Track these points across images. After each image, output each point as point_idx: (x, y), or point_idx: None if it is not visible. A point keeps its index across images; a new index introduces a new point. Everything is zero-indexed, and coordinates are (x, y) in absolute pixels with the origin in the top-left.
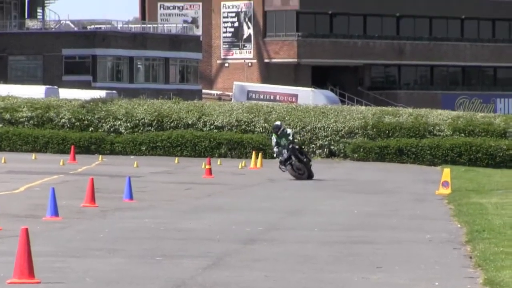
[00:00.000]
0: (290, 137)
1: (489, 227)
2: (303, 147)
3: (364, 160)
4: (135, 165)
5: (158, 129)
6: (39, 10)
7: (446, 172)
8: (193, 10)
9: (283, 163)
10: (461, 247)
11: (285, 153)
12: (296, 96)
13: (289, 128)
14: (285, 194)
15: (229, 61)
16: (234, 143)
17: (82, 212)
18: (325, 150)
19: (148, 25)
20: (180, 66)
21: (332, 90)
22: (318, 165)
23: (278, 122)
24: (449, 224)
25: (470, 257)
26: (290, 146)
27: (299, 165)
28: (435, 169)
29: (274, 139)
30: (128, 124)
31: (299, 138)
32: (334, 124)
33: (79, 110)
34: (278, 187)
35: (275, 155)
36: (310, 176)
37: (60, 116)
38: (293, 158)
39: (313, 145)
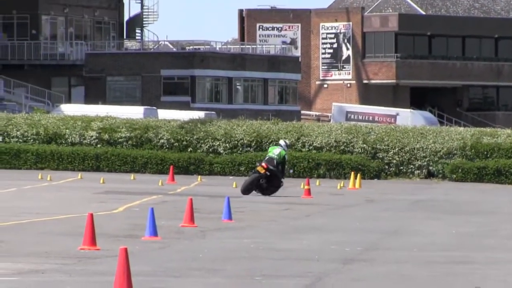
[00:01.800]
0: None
1: None
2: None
3: (462, 181)
4: (234, 186)
5: (257, 150)
6: (138, 30)
7: None
8: (292, 31)
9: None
10: None
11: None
12: (395, 117)
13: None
14: (384, 214)
15: (328, 82)
16: (332, 163)
17: (181, 232)
18: (424, 170)
19: (247, 46)
20: (279, 87)
21: (430, 111)
22: (417, 186)
23: (287, 141)
24: None
25: None
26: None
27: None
28: None
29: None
30: (227, 144)
31: (397, 159)
32: (432, 145)
33: (178, 131)
34: (377, 208)
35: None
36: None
37: (159, 137)
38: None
39: (411, 166)
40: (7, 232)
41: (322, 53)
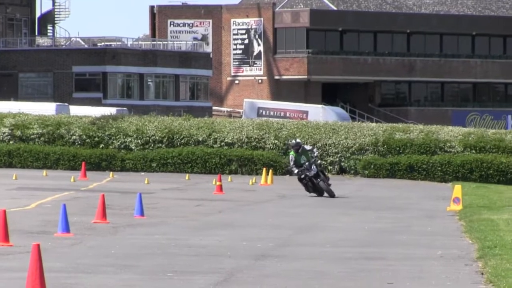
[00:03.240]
0: (315, 154)
1: (500, 243)
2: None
3: (375, 177)
4: (146, 182)
5: (168, 146)
6: (49, 27)
7: (457, 189)
8: (203, 27)
9: (306, 179)
10: (472, 263)
11: (313, 169)
12: (306, 112)
13: (307, 145)
14: (296, 210)
15: (239, 78)
16: (244, 159)
17: (93, 229)
18: (336, 166)
19: (158, 42)
20: (190, 83)
21: (342, 107)
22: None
23: (298, 140)
24: (461, 240)
25: (482, 273)
26: (317, 163)
27: (324, 185)
28: (446, 186)
29: (292, 157)
30: (139, 141)
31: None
32: (344, 140)
33: (90, 127)
34: (289, 204)
35: (295, 171)
36: (331, 195)
37: (71, 133)
38: (321, 175)
39: (323, 162)
40: None
41: (234, 49)
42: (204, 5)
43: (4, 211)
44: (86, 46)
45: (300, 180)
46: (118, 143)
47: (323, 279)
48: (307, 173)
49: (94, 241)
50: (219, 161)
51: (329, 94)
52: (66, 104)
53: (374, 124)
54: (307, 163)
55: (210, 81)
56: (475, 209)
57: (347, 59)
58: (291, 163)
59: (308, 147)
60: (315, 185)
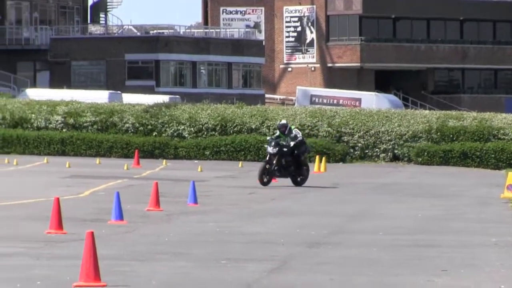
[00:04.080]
0: (299, 139)
1: None
2: (304, 156)
3: (428, 164)
4: (199, 170)
5: (221, 134)
6: (102, 15)
7: (511, 176)
8: (256, 14)
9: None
10: None
11: (274, 148)
12: (359, 100)
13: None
14: (349, 198)
15: (292, 65)
16: None
17: (146, 216)
18: (389, 154)
19: (211, 30)
20: (243, 71)
21: (395, 94)
22: (382, 169)
23: (285, 121)
24: None
25: None
26: (290, 146)
27: (274, 171)
28: (500, 173)
29: (272, 138)
30: (192, 128)
31: (362, 142)
32: (398, 128)
33: (143, 115)
34: (342, 191)
35: (270, 150)
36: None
37: (124, 121)
38: (278, 161)
39: (376, 149)
40: None
41: (286, 37)
42: None
43: (58, 199)
44: (138, 34)
45: (273, 155)
46: (171, 131)
47: (376, 266)
48: (268, 149)
49: (147, 229)
50: None
51: (382, 82)
52: (119, 92)
53: (427, 112)
54: (275, 140)
55: (263, 69)
56: None
57: (400, 47)
58: (269, 141)
59: (297, 134)
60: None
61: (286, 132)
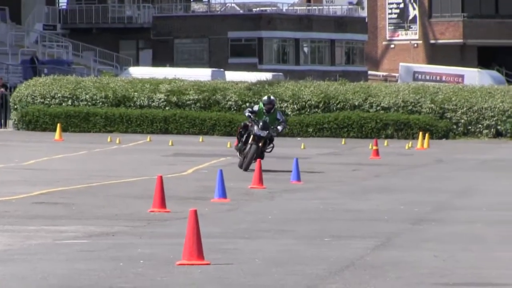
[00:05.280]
0: (279, 128)
1: None
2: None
3: None
4: (302, 147)
5: (324, 111)
6: None
7: None
8: None
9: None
10: None
11: (264, 132)
12: (462, 76)
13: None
14: (453, 174)
15: (395, 42)
16: (400, 123)
17: (250, 194)
18: (492, 130)
19: (313, 7)
20: (345, 48)
21: (498, 71)
22: (485, 145)
23: (273, 98)
24: None
25: None
26: (279, 132)
27: (251, 152)
28: None
29: (256, 108)
30: (295, 106)
31: (465, 119)
32: (501, 104)
33: (246, 93)
34: (446, 168)
35: (246, 114)
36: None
37: (227, 99)
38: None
39: (479, 125)
40: (78, 195)
41: (389, 13)
42: None
43: (161, 177)
44: (241, 11)
45: (243, 128)
46: None
47: (480, 242)
48: (256, 129)
49: (250, 207)
50: (375, 126)
51: (485, 58)
52: (221, 69)
53: None
54: (265, 122)
55: (365, 46)
56: None
57: (503, 23)
58: (251, 110)
59: (281, 117)
60: (247, 145)
61: (272, 111)
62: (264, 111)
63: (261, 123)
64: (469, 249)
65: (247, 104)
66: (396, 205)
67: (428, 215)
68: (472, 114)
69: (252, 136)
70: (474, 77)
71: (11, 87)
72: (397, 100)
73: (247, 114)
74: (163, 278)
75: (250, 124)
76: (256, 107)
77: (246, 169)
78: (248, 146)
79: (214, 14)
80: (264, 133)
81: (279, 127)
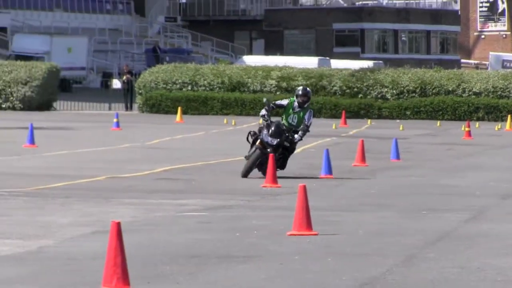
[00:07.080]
0: (306, 131)
1: None
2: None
3: None
4: (400, 128)
5: (421, 96)
6: None
7: None
8: None
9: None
10: None
11: (275, 141)
12: None
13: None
14: None
15: (485, 33)
16: (490, 107)
17: (353, 171)
18: None
19: (411, 1)
20: (440, 38)
21: None
22: None
23: (309, 89)
24: None
25: None
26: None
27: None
28: None
29: (287, 102)
30: (394, 91)
31: None
32: None
33: (349, 79)
34: None
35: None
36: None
37: (332, 84)
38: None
39: None
40: (197, 172)
41: (480, 7)
42: None
43: (272, 156)
44: (345, 5)
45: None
46: (375, 93)
47: None
48: (264, 134)
49: (354, 183)
50: (467, 109)
51: None
52: (327, 58)
53: None
54: (278, 126)
55: (458, 36)
56: None
57: None
58: (275, 104)
59: (309, 119)
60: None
61: (305, 106)
62: (296, 105)
63: (273, 128)
64: None
65: (350, 89)
66: (486, 181)
67: None
68: None
69: (259, 140)
70: None
71: (136, 73)
72: (488, 86)
73: (262, 112)
74: (276, 247)
75: (263, 126)
76: (285, 101)
77: (244, 175)
78: (253, 149)
79: (320, 7)
80: (273, 141)
81: (296, 136)
